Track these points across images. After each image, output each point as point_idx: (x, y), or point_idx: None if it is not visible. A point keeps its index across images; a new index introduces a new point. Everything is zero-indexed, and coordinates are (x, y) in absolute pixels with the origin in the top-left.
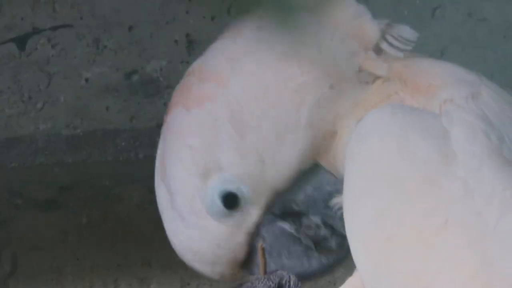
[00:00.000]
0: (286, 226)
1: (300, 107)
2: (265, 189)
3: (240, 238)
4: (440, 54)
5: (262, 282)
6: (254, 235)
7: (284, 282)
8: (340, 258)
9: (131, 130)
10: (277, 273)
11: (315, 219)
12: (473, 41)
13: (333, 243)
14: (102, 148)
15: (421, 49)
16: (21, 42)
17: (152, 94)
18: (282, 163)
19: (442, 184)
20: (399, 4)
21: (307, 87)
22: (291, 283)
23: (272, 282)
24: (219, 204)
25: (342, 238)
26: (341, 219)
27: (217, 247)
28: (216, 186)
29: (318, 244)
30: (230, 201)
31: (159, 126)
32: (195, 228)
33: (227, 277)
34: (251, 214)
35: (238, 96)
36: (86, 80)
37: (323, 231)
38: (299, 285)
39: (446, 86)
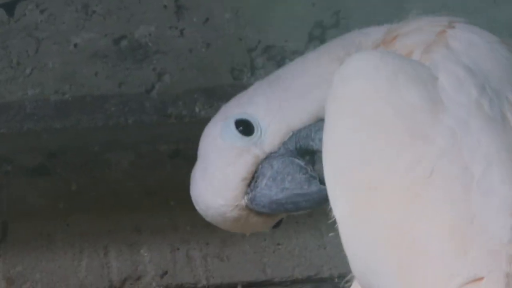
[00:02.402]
0: (297, 159)
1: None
2: (282, 127)
3: (248, 157)
4: None
5: None
6: (263, 161)
7: None
8: None
9: (120, 96)
10: None
11: None
12: (464, 7)
13: None
14: (91, 114)
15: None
16: (9, 7)
17: (140, 59)
18: (304, 112)
19: (430, 133)
20: None
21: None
22: None
23: None
24: (233, 128)
25: None
26: None
27: (227, 165)
28: (234, 115)
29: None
30: (245, 128)
31: (148, 91)
32: (212, 158)
33: (233, 207)
34: (264, 143)
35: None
36: (75, 45)
37: None
38: None
39: (407, 35)
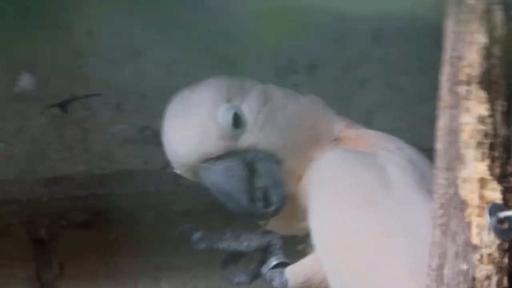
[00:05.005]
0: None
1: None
2: (256, 142)
3: (220, 141)
4: (369, 115)
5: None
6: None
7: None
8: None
9: (145, 171)
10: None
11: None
12: (392, 105)
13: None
14: (124, 183)
15: (355, 111)
16: (63, 106)
17: (159, 144)
18: (278, 144)
19: (385, 203)
20: (338, 77)
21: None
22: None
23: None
24: (230, 116)
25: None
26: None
27: (205, 131)
28: (236, 106)
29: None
30: (236, 120)
31: (164, 167)
32: (194, 119)
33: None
34: (238, 142)
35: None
36: (112, 134)
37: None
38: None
39: (383, 147)
